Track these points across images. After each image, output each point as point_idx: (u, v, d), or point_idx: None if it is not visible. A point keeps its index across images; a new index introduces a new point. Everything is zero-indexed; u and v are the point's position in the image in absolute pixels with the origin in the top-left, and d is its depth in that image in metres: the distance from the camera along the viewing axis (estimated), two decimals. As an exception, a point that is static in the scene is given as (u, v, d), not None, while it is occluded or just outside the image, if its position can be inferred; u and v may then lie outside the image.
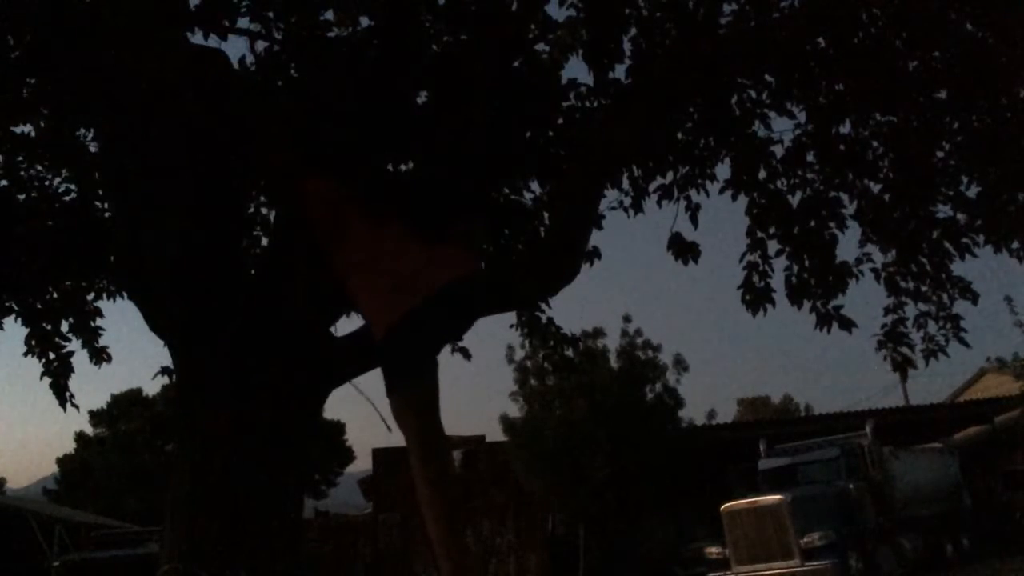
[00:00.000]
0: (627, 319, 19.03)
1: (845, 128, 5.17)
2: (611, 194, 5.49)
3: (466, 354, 6.14)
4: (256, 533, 3.13)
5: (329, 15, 4.45)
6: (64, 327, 5.18)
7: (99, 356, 5.41)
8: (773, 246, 5.39)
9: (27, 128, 4.69)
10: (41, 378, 5.17)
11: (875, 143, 5.20)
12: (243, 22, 4.29)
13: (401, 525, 18.67)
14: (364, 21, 4.43)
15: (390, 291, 2.84)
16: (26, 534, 20.90)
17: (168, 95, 3.37)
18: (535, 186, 5.21)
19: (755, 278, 5.42)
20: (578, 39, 4.89)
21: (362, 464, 33.89)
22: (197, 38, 4.06)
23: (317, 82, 4.04)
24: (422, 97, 4.42)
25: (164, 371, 5.32)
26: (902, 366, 5.40)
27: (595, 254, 5.56)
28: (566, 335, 6.06)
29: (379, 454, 19.52)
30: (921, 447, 17.75)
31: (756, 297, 5.39)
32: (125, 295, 5.00)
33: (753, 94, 5.13)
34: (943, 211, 5.16)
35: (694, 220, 5.51)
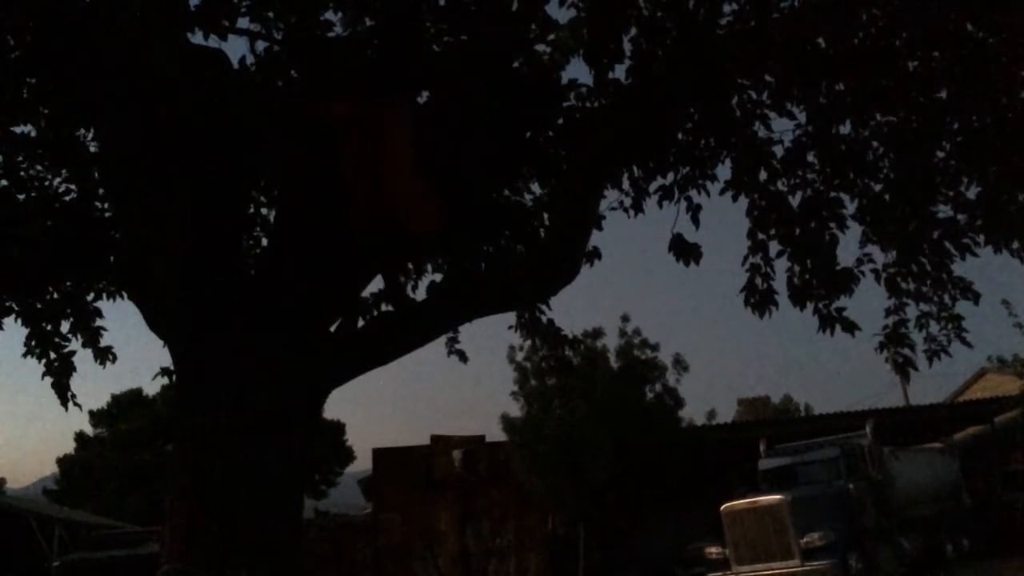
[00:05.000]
0: (625, 319, 18.95)
1: (845, 128, 5.17)
2: (611, 194, 5.49)
3: (463, 357, 6.14)
4: (256, 533, 3.13)
5: (329, 15, 4.45)
6: (64, 327, 5.17)
7: (104, 356, 5.40)
8: (774, 248, 5.39)
9: (27, 128, 4.70)
10: (42, 378, 5.17)
11: (875, 143, 5.19)
12: (243, 22, 4.29)
13: (401, 525, 18.67)
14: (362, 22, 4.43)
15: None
16: (26, 534, 20.91)
17: (168, 95, 3.38)
18: (535, 186, 5.21)
19: (758, 280, 5.41)
20: (579, 39, 4.88)
21: (362, 464, 33.84)
22: (197, 38, 4.06)
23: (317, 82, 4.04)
24: (422, 97, 4.43)
25: (164, 371, 5.32)
26: (903, 367, 5.39)
27: (595, 254, 5.56)
28: (566, 336, 6.06)
29: (379, 454, 19.52)
30: (921, 447, 17.73)
31: (760, 300, 5.38)
32: (125, 295, 5.00)
33: (753, 94, 5.12)
34: (943, 211, 5.17)
35: (695, 220, 5.50)
